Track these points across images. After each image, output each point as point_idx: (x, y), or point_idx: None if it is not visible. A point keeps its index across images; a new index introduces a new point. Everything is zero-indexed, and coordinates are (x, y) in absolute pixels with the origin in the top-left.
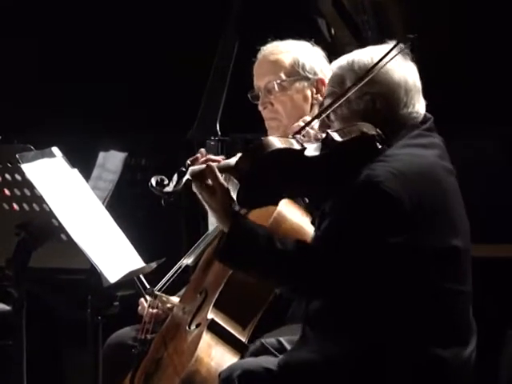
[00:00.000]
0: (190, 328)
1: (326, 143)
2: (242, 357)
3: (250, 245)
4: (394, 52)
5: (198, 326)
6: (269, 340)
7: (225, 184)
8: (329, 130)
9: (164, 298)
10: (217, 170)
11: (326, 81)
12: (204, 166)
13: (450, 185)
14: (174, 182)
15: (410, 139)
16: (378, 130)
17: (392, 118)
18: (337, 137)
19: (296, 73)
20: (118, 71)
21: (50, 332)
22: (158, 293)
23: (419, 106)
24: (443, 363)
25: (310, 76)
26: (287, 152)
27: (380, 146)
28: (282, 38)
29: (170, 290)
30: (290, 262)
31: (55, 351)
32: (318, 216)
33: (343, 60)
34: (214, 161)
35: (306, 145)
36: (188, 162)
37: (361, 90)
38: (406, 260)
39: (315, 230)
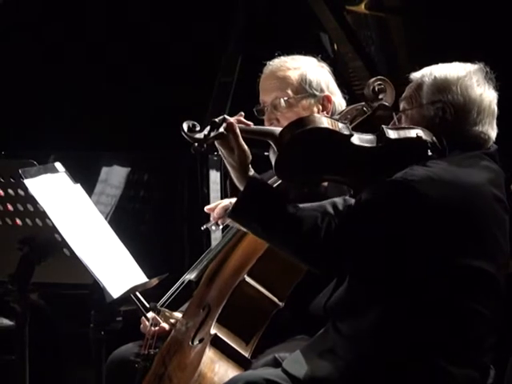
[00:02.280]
0: (192, 343)
1: (379, 137)
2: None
3: (262, 205)
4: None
5: (200, 341)
6: (282, 354)
7: (244, 145)
8: (384, 126)
9: (167, 313)
10: (237, 129)
11: (332, 98)
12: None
13: (494, 210)
14: (206, 132)
15: (467, 158)
16: (434, 138)
17: (458, 131)
18: (391, 134)
19: (303, 90)
20: (121, 86)
21: (52, 347)
22: (161, 308)
23: (490, 130)
24: (453, 381)
25: (317, 93)
26: (332, 133)
27: (430, 154)
28: (284, 53)
29: (173, 305)
30: (299, 229)
31: (58, 366)
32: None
33: (427, 69)
34: (244, 123)
35: (354, 132)
36: (226, 116)
37: (434, 97)
38: (422, 264)
39: None
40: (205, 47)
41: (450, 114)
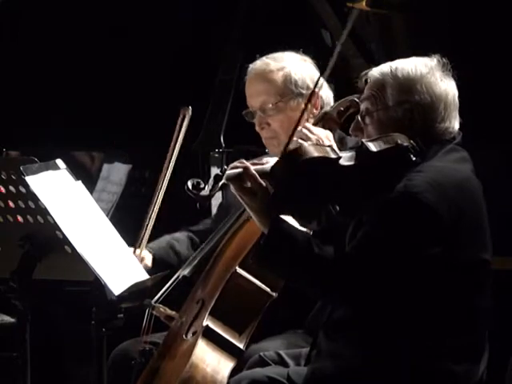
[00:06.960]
0: (186, 337)
1: (360, 152)
2: (239, 362)
3: (288, 248)
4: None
5: (194, 333)
6: (268, 353)
7: (264, 184)
8: (363, 140)
9: (162, 309)
10: (255, 172)
11: (320, 92)
12: (240, 169)
13: (482, 199)
14: (210, 186)
15: (445, 153)
16: (412, 141)
17: (427, 130)
18: (371, 147)
19: (290, 91)
20: (122, 83)
21: (54, 344)
22: (155, 304)
23: (455, 122)
24: (455, 378)
25: (304, 91)
26: (322, 160)
27: (414, 158)
28: (286, 50)
29: (168, 301)
30: (325, 269)
31: (59, 363)
32: (353, 225)
33: (386, 66)
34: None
35: (340, 154)
36: (226, 167)
37: (401, 98)
38: (441, 272)
39: (349, 238)
40: (206, 44)
41: (418, 113)
